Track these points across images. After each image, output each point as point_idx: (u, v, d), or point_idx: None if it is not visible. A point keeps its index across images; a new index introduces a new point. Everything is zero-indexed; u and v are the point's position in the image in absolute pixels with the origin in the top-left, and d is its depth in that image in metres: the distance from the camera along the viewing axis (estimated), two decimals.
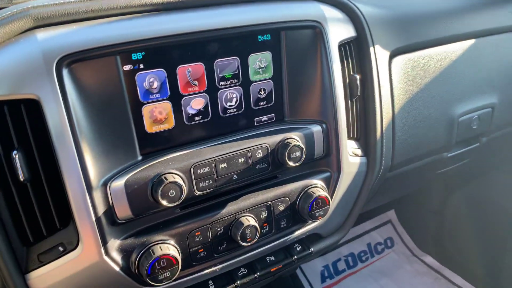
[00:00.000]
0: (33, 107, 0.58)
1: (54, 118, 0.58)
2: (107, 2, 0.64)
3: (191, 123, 0.72)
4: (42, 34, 0.59)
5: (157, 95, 0.68)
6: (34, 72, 0.57)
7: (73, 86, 0.60)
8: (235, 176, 0.73)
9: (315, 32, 0.78)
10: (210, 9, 0.70)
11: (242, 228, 0.73)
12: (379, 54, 0.90)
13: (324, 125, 0.81)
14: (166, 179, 0.65)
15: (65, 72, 0.58)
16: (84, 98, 0.61)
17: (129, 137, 0.66)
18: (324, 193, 0.80)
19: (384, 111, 0.91)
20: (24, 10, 0.60)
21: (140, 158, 0.68)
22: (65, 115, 0.58)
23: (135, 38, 0.63)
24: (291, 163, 0.75)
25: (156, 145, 0.70)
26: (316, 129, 0.80)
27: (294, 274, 1.69)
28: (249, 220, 0.74)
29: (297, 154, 0.75)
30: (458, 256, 1.80)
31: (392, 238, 2.00)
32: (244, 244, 0.74)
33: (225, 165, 0.72)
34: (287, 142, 0.75)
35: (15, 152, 0.58)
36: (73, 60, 0.59)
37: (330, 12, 0.80)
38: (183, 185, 0.66)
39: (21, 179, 0.59)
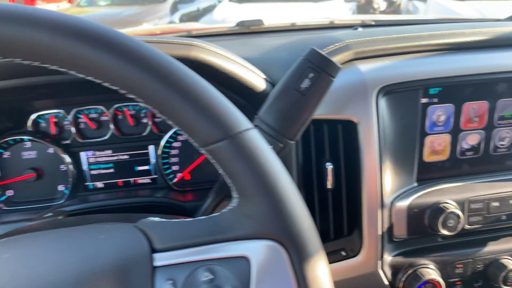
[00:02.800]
0: (347, 126, 0.68)
1: (367, 138, 0.66)
2: (414, 41, 0.71)
3: (462, 157, 0.75)
4: (363, 66, 0.68)
5: (441, 128, 0.72)
6: (356, 98, 0.66)
7: (384, 112, 0.68)
8: (503, 216, 0.72)
9: None
10: (501, 50, 0.72)
11: (506, 271, 0.71)
12: None
13: None
14: (446, 209, 0.68)
15: (380, 100, 0.67)
16: (389, 123, 0.68)
17: (411, 163, 0.72)
18: None
19: None
20: (346, 45, 0.70)
21: (415, 184, 0.73)
22: (376, 137, 0.66)
23: (438, 75, 0.68)
24: None
25: (429, 173, 0.74)
26: None
27: None
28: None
29: None
30: None
31: None
32: (504, 287, 0.72)
33: (497, 204, 0.72)
34: None
35: (329, 163, 0.68)
36: (388, 90, 0.67)
37: None
38: (462, 217, 0.68)
39: (328, 187, 0.68)
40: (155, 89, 0.34)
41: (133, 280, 0.36)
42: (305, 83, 0.52)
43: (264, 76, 0.70)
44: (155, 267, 0.37)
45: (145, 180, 0.86)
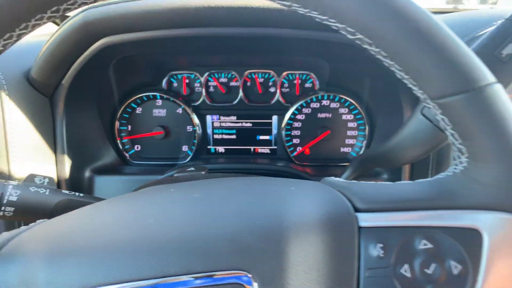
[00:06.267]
0: None
1: None
2: None
3: None
4: None
5: None
6: None
7: None
8: None
9: None
10: None
11: None
12: None
13: None
14: None
15: None
16: None
17: None
18: None
19: None
20: None
21: None
22: None
23: None
24: None
25: None
26: None
27: None
28: None
29: None
30: None
31: None
32: None
33: None
34: None
35: None
36: None
37: None
38: None
39: None
40: (390, 30, 0.30)
41: (337, 237, 0.33)
42: (509, 49, 0.45)
43: None
44: (360, 227, 0.34)
45: (265, 150, 0.85)
